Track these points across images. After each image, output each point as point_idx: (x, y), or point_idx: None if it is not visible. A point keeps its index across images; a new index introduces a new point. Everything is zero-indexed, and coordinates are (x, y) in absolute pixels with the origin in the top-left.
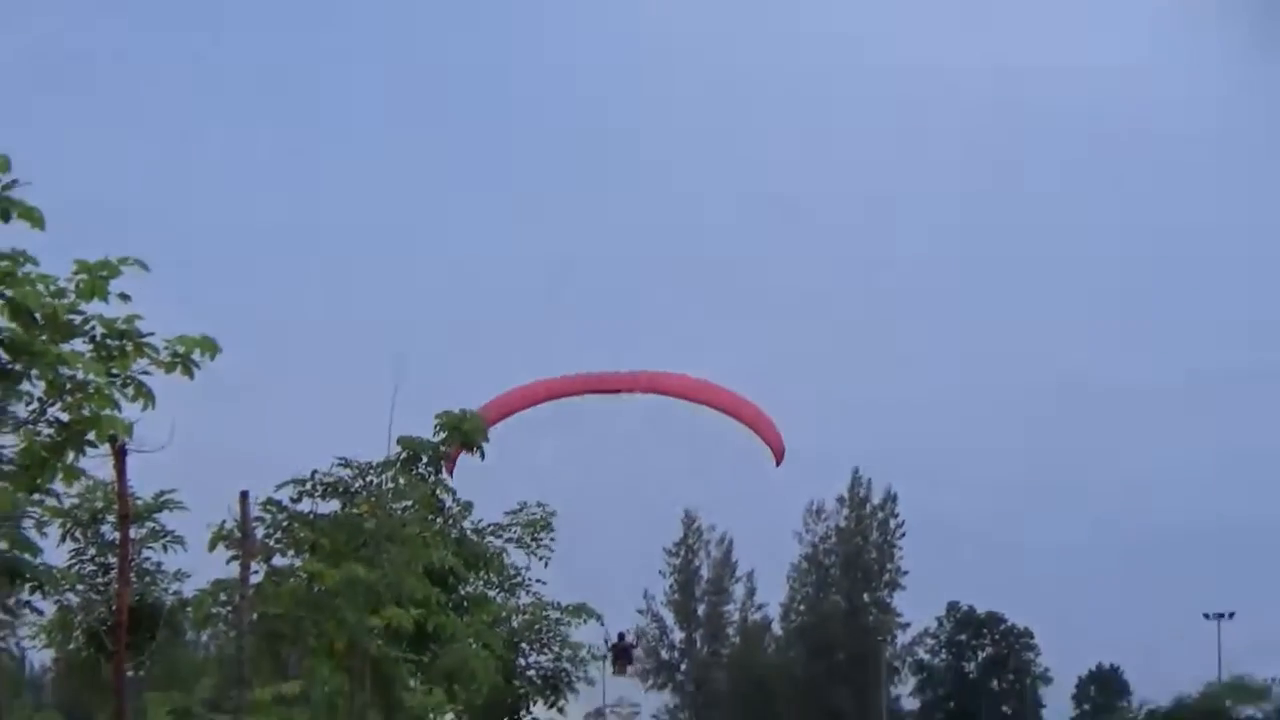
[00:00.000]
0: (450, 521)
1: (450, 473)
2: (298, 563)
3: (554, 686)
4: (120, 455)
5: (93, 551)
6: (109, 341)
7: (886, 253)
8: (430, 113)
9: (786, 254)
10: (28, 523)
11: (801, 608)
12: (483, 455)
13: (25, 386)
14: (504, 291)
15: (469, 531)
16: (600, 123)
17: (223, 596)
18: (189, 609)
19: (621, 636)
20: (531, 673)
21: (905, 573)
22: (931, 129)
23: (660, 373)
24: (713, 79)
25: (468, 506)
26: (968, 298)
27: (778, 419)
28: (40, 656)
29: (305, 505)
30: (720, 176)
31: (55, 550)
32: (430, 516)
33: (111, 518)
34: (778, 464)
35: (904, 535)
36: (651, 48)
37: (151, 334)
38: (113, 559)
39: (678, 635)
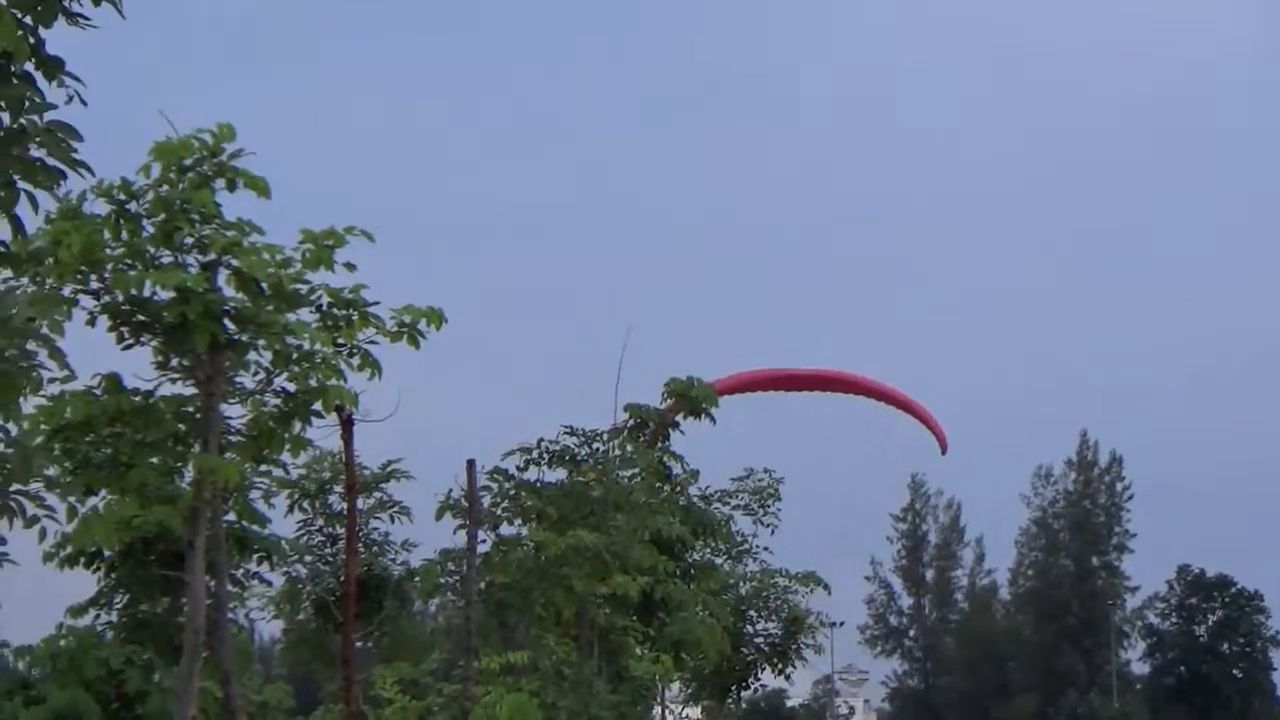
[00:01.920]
0: (677, 489)
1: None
2: (524, 531)
3: (782, 654)
4: (347, 425)
5: (320, 522)
6: (335, 311)
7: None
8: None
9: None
10: (256, 493)
11: (1030, 572)
12: (713, 420)
13: (252, 357)
14: (725, 264)
15: (696, 499)
16: None
17: (450, 566)
18: (417, 579)
19: None
20: (759, 640)
21: (1133, 535)
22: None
23: (846, 372)
24: None
25: (694, 474)
26: (1195, 264)
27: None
28: (269, 627)
29: (532, 474)
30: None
31: (283, 521)
32: (657, 484)
33: (339, 488)
34: (943, 453)
35: (1131, 498)
36: None
37: (377, 303)
38: (340, 529)
39: (906, 601)
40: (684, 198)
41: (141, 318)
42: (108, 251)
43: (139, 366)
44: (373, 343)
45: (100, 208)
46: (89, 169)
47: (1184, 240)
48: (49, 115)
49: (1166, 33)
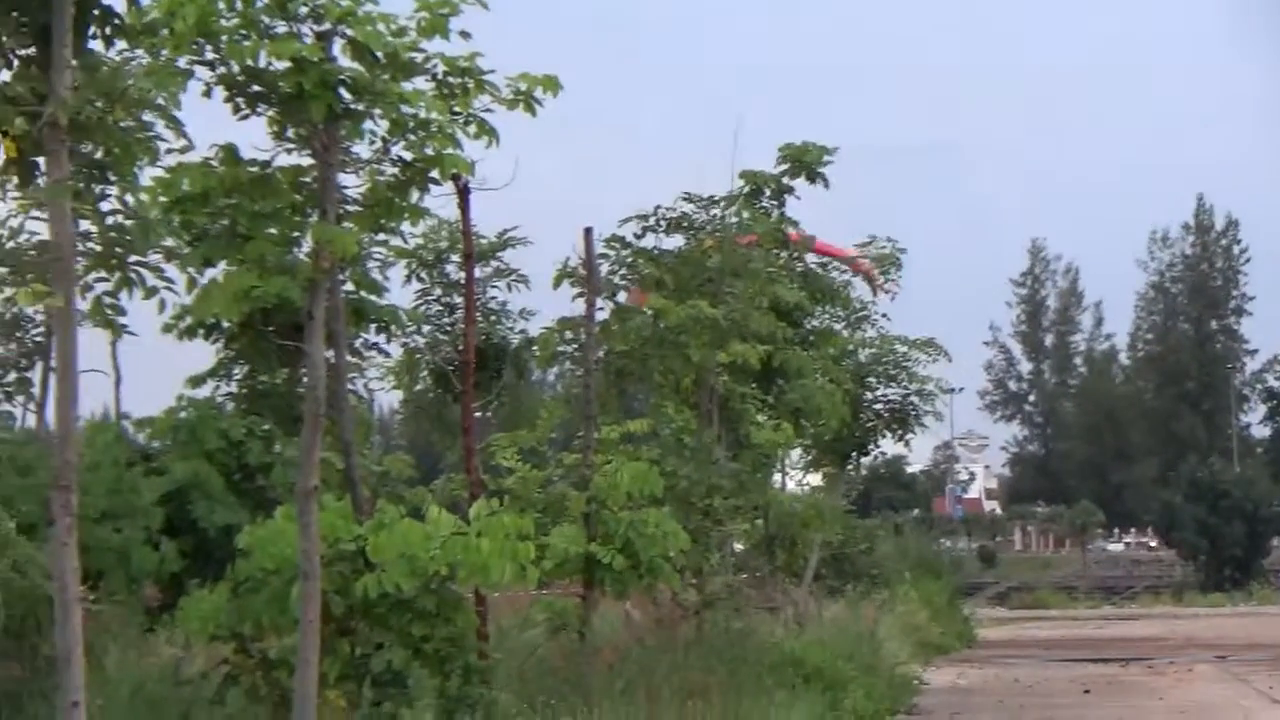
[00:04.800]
0: (795, 255)
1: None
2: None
3: (901, 420)
4: (464, 194)
5: (438, 292)
6: (450, 80)
7: None
8: None
9: None
10: (373, 264)
11: (1149, 336)
12: (826, 185)
13: (368, 126)
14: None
15: (814, 265)
16: None
17: (568, 335)
18: (535, 348)
19: None
20: (878, 406)
21: (1252, 299)
22: None
23: None
24: None
25: (811, 240)
26: None
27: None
28: (388, 398)
29: (649, 241)
30: None
31: (401, 291)
32: (775, 251)
33: (456, 257)
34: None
35: (1249, 261)
36: None
37: (492, 71)
38: (458, 299)
39: (1025, 367)
40: None
41: (257, 89)
42: (222, 22)
43: (255, 137)
44: (489, 111)
45: None
46: None
47: None
48: None
49: None
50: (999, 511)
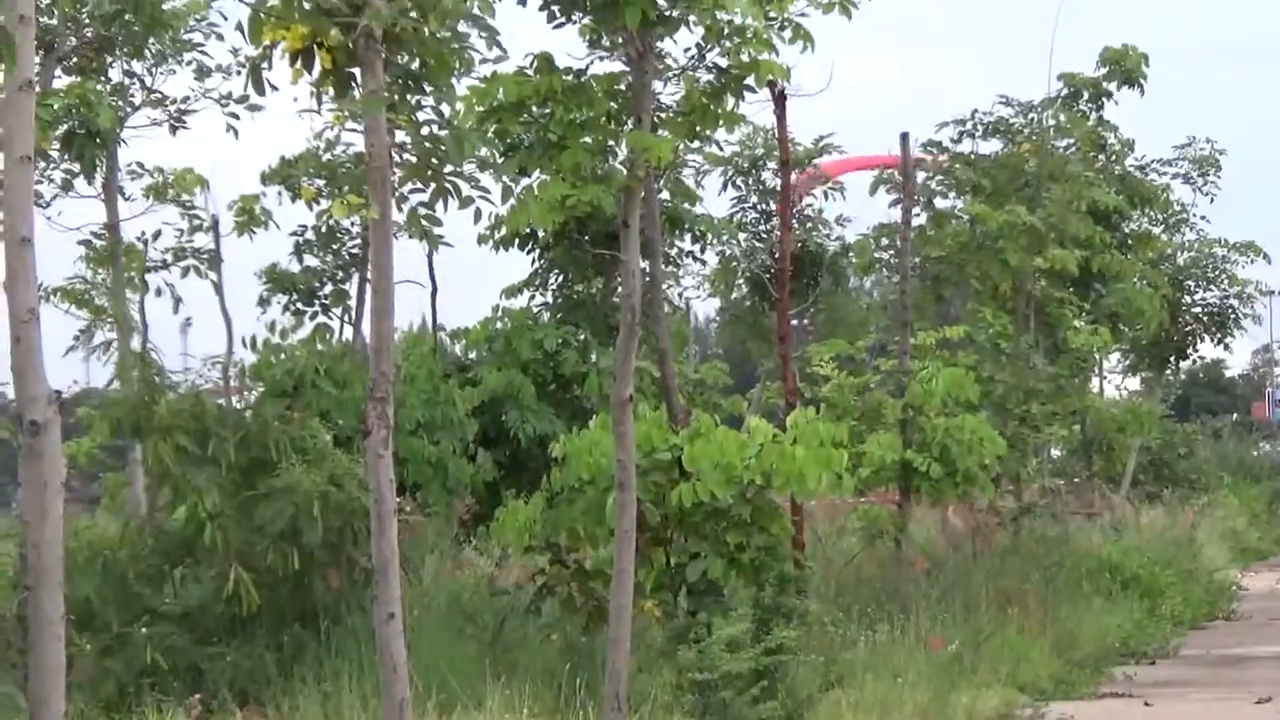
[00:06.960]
0: (1113, 159)
1: None
2: (959, 205)
3: (1220, 324)
4: (779, 100)
5: (754, 199)
6: None
7: None
8: None
9: None
10: (688, 171)
11: None
12: (1142, 91)
13: (683, 32)
14: None
15: (1132, 168)
16: None
17: (884, 241)
18: (851, 255)
19: None
20: (1197, 310)
21: None
22: None
23: None
24: None
25: (1130, 143)
26: None
27: None
28: (704, 306)
29: (966, 146)
30: None
31: (716, 199)
32: (1092, 154)
33: (772, 164)
34: None
35: None
36: None
37: None
38: (774, 206)
39: None
40: None
41: None
42: None
43: (570, 46)
44: (804, 15)
45: None
46: None
47: None
48: None
49: None
50: None
